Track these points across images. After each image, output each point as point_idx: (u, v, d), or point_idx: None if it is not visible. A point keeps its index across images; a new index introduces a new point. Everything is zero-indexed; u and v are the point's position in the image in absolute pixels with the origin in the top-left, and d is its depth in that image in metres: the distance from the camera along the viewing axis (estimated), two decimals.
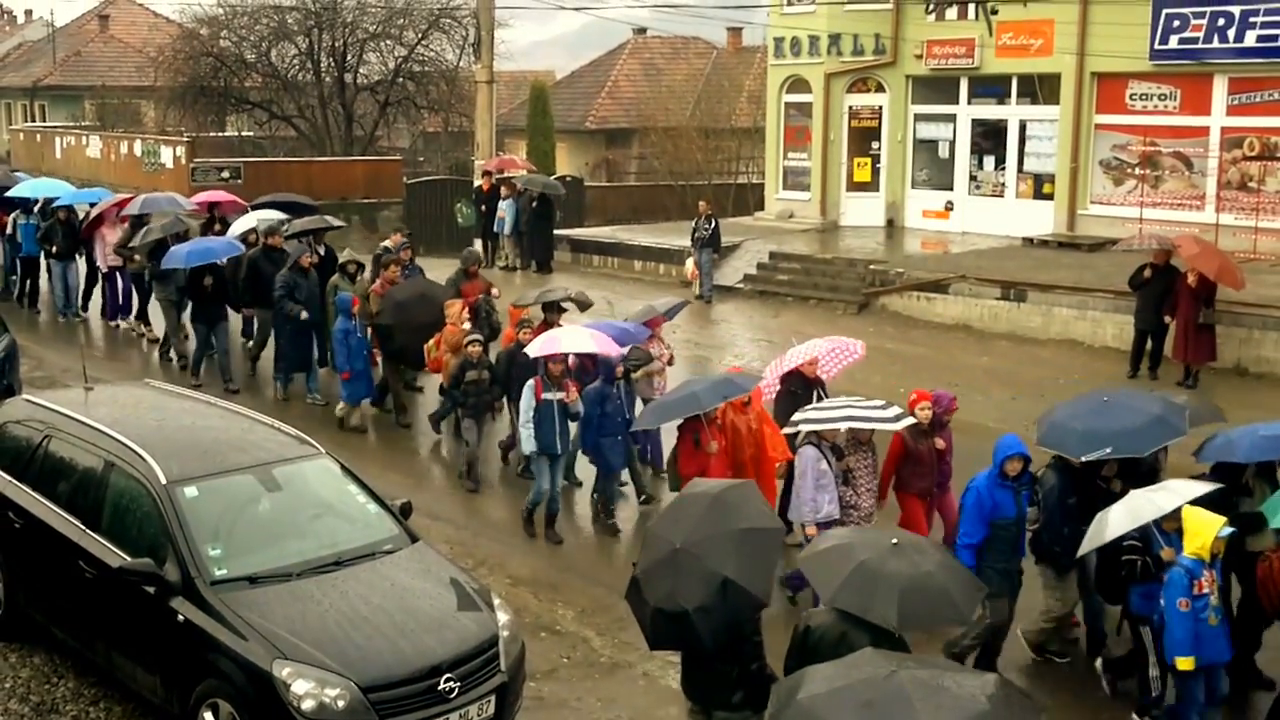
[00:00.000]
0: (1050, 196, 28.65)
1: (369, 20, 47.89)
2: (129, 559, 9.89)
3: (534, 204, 30.36)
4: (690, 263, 27.97)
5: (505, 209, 30.84)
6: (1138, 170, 27.29)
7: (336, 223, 22.66)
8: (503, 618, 10.08)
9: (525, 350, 15.14)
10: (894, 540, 8.42)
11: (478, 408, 16.01)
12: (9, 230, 25.46)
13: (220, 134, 51.18)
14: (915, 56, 30.37)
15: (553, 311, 17.00)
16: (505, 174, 32.18)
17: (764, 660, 8.80)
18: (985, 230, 29.23)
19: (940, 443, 13.16)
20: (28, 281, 25.75)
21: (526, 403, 14.42)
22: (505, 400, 16.74)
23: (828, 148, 31.67)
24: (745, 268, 28.65)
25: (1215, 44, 25.58)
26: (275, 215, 22.24)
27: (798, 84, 32.41)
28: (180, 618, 9.52)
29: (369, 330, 18.07)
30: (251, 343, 21.24)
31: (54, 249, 24.13)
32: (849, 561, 8.25)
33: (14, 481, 11.39)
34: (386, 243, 21.58)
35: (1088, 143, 27.92)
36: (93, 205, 24.48)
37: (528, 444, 14.47)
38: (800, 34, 31.73)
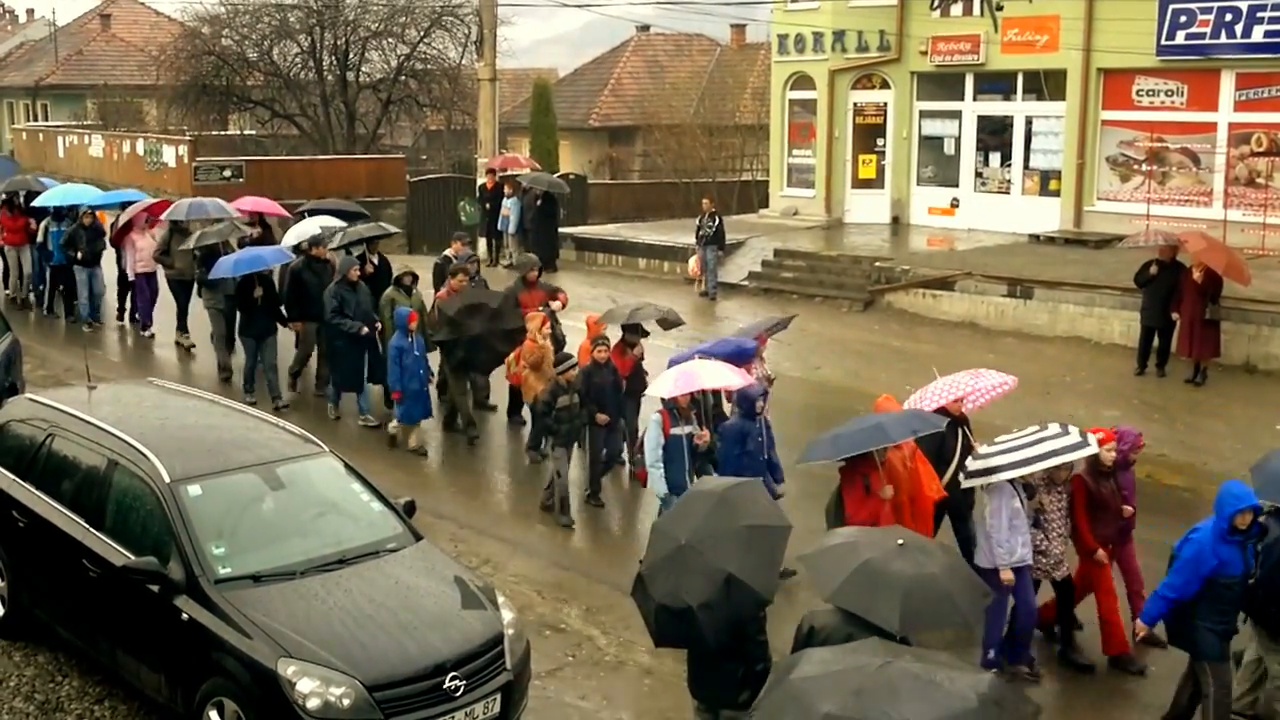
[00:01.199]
0: (1056, 193, 28.57)
1: (371, 18, 47.90)
2: (133, 557, 9.88)
3: (538, 202, 30.27)
4: (694, 260, 27.90)
5: (509, 207, 30.73)
6: (1145, 166, 27.18)
7: (391, 229, 21.83)
8: (507, 616, 10.04)
9: (655, 393, 13.75)
10: (900, 541, 8.34)
11: (570, 435, 14.92)
12: (40, 238, 24.47)
13: (223, 133, 51.22)
14: (920, 53, 30.26)
15: (634, 334, 16.22)
16: (509, 172, 32.11)
17: (770, 659, 8.74)
18: (991, 227, 29.11)
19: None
20: (57, 290, 24.76)
21: (654, 439, 13.32)
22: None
23: (832, 145, 31.60)
24: (750, 265, 28.57)
25: (1222, 39, 25.47)
26: (334, 223, 21.31)
27: (802, 80, 32.35)
28: (184, 616, 9.50)
29: (428, 345, 17.18)
30: (294, 358, 20.28)
31: (79, 254, 23.27)
32: (853, 559, 8.20)
33: (18, 480, 11.38)
34: (448, 251, 20.56)
35: (1094, 139, 27.81)
36: (123, 207, 23.87)
37: (659, 486, 13.33)
38: (804, 30, 31.64)
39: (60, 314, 24.68)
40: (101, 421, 11.07)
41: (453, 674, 9.25)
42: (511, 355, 16.70)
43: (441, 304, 17.57)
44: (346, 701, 8.89)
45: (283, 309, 19.34)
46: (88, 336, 22.87)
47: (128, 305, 23.92)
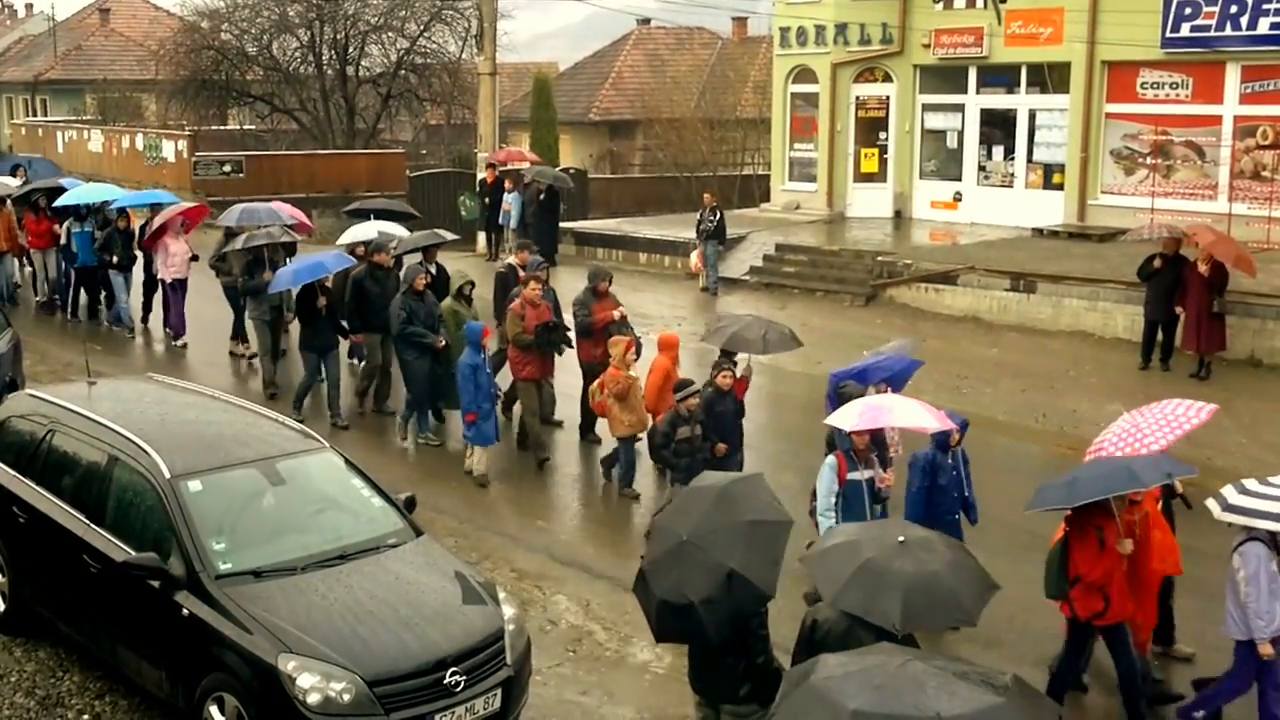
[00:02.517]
0: (1060, 186, 28.53)
1: (370, 12, 47.75)
2: (133, 553, 9.86)
3: (541, 196, 30.19)
4: (695, 255, 27.81)
5: (510, 202, 30.69)
6: (1149, 160, 27.11)
7: (450, 236, 21.07)
8: (508, 611, 10.03)
9: (836, 423, 11.95)
10: (901, 538, 8.25)
11: (691, 469, 12.92)
12: (63, 239, 23.63)
13: (222, 128, 51.15)
14: (923, 46, 30.22)
15: (728, 359, 14.81)
16: (509, 166, 31.98)
17: (771, 654, 8.71)
18: (994, 221, 29.05)
19: None
20: (81, 293, 24.07)
21: (827, 485, 11.80)
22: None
23: (834, 138, 31.57)
24: (751, 260, 28.54)
25: (1228, 31, 25.42)
26: (392, 229, 20.56)
27: (804, 74, 32.32)
28: (185, 612, 9.49)
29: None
30: (360, 374, 19.21)
31: (114, 258, 22.49)
32: (854, 560, 8.16)
33: (18, 476, 11.37)
34: (511, 259, 19.43)
35: (1098, 132, 27.76)
36: (150, 209, 23.26)
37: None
38: (806, 23, 31.59)
39: (85, 318, 24.07)
40: (102, 417, 11.05)
41: (453, 669, 9.23)
42: (595, 384, 15.51)
43: (513, 319, 16.43)
44: (347, 697, 8.88)
45: (343, 321, 18.37)
46: (89, 333, 22.75)
47: (154, 310, 23.11)
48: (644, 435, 14.93)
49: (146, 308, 23.45)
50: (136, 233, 22.89)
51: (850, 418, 11.61)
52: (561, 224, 31.89)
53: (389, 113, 50.18)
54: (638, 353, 15.57)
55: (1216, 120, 26.05)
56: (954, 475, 12.02)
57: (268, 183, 39.32)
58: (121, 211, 22.80)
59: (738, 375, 14.41)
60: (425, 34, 47.86)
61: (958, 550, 8.63)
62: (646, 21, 54.49)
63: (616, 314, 16.63)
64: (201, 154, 41.32)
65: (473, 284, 17.52)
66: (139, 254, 23.00)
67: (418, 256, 19.32)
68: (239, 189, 38.44)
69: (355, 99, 48.49)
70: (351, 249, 19.57)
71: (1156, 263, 20.34)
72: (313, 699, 8.84)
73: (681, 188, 42.47)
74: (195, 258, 21.99)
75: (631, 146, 50.55)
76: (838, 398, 12.92)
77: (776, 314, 24.96)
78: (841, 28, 31.05)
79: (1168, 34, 26.13)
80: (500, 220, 31.10)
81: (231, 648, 9.18)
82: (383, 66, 48.61)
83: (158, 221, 22.19)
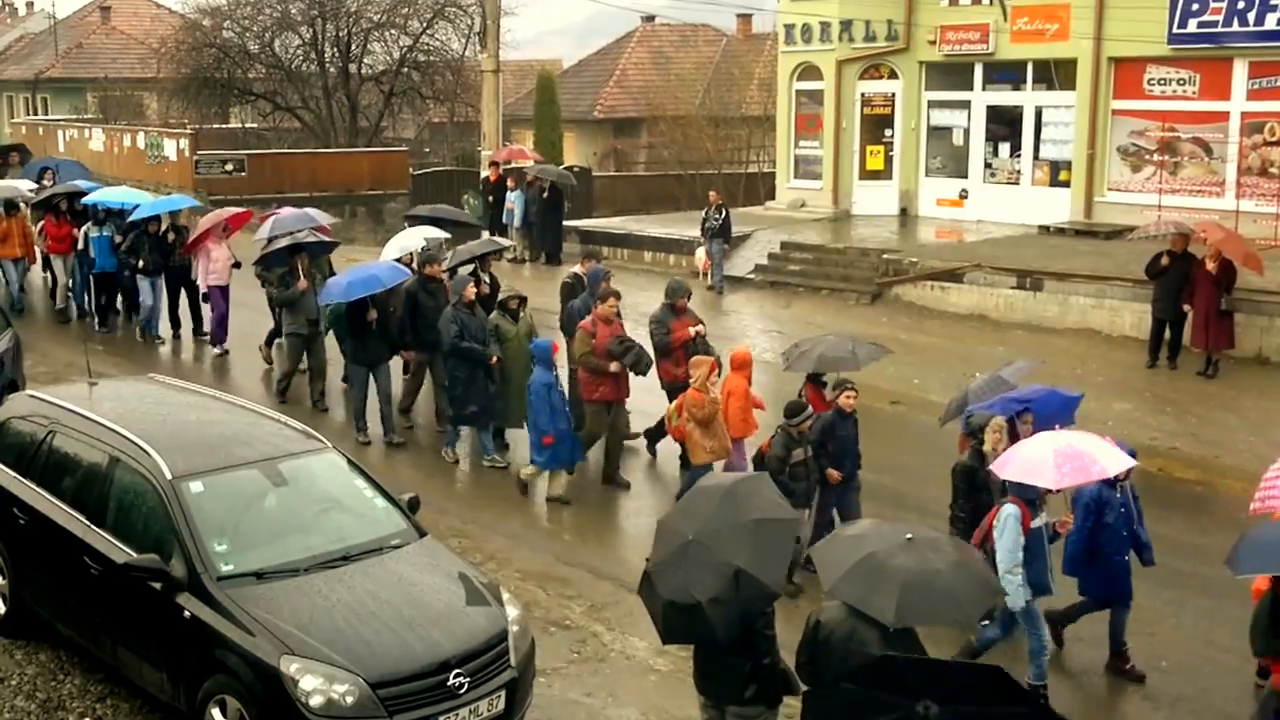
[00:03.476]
0: (1067, 184, 28.40)
1: (373, 9, 47.76)
2: (134, 555, 9.84)
3: (544, 194, 30.24)
4: (701, 253, 27.74)
5: (513, 200, 30.74)
6: (1156, 156, 27.00)
7: (505, 242, 20.45)
8: (512, 612, 10.02)
9: (1037, 482, 10.58)
10: (908, 535, 8.27)
11: (807, 493, 12.82)
12: (80, 244, 22.80)
13: (224, 126, 51.20)
14: (929, 42, 30.10)
15: (818, 385, 14.34)
16: (513, 164, 31.91)
17: (777, 654, 8.67)
18: (1000, 218, 28.91)
19: None
20: (102, 299, 23.14)
21: (1011, 538, 10.70)
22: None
23: (840, 136, 31.45)
24: (756, 258, 28.43)
25: (1235, 27, 25.26)
26: (438, 235, 19.74)
27: (809, 71, 32.17)
28: (186, 614, 9.46)
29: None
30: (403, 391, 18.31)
31: (140, 263, 21.64)
32: (857, 552, 8.21)
33: (18, 477, 11.34)
34: (577, 269, 18.27)
35: (1105, 129, 27.63)
36: (173, 215, 22.34)
37: (1018, 596, 10.70)
38: (811, 20, 31.45)
39: (111, 326, 23.35)
40: (102, 418, 11.02)
41: (457, 671, 9.20)
42: (673, 406, 14.58)
43: (583, 338, 15.70)
44: (350, 699, 8.86)
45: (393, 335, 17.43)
46: (105, 339, 22.52)
47: (188, 317, 22.55)
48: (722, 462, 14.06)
49: (196, 316, 22.64)
50: (170, 236, 21.99)
51: (1047, 473, 10.34)
52: (566, 222, 31.85)
53: (392, 111, 50.18)
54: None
55: (1224, 116, 25.91)
56: (1122, 512, 11.29)
57: (270, 181, 39.43)
58: (153, 217, 21.94)
59: (832, 397, 13.76)
60: (428, 31, 47.89)
61: (966, 552, 8.61)
62: (651, 18, 54.37)
63: (694, 331, 15.87)
64: (203, 152, 41.34)
65: (522, 298, 16.57)
66: (163, 258, 22.03)
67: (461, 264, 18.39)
68: (241, 188, 38.58)
69: (358, 97, 48.47)
70: (401, 259, 18.71)
71: (1164, 260, 20.28)
72: (315, 701, 8.81)
73: (686, 185, 42.41)
74: (238, 264, 21.30)
75: (636, 144, 50.55)
76: (971, 430, 12.22)
77: (781, 313, 25.16)
78: (847, 24, 30.92)
79: (1175, 30, 25.97)
80: (504, 219, 31.10)
81: (233, 650, 9.15)
82: (385, 64, 48.62)
83: (202, 226, 21.59)
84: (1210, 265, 19.70)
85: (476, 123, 39.98)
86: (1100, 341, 22.16)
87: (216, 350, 21.55)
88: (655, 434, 16.54)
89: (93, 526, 10.41)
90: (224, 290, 21.31)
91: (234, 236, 21.98)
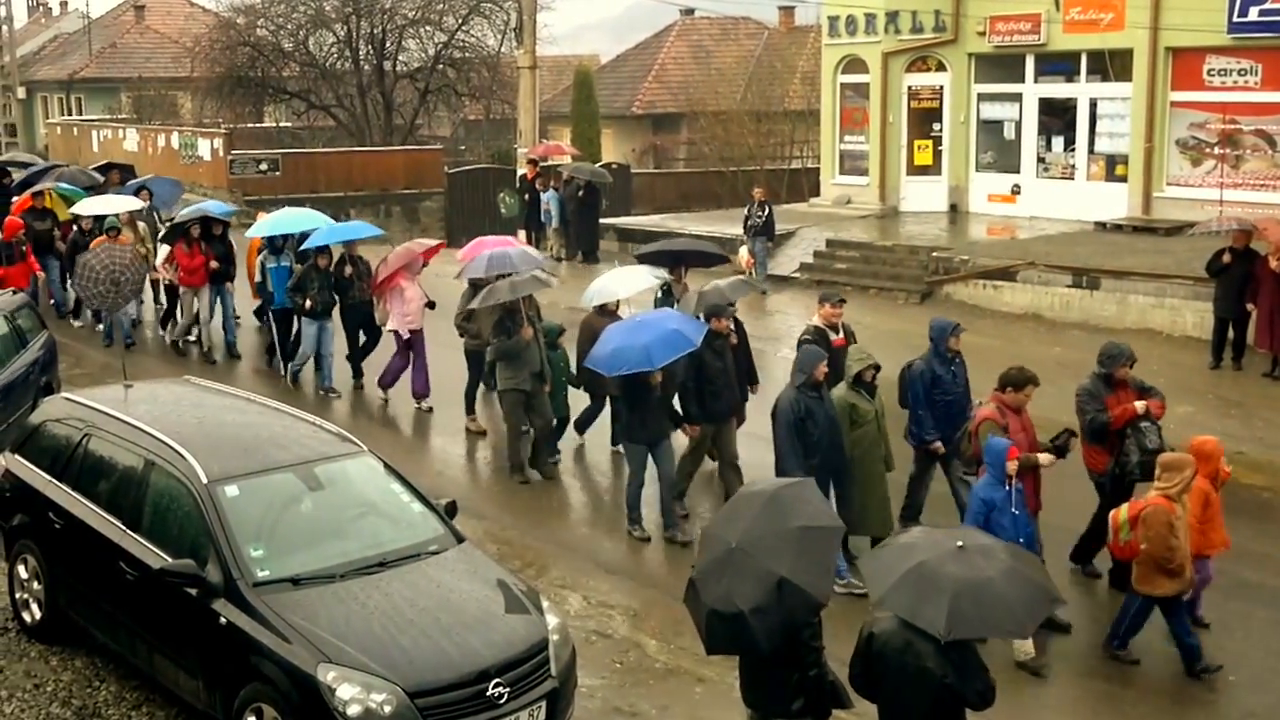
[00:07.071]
0: (1124, 178, 27.87)
1: (408, 6, 47.82)
2: (170, 560, 9.90)
3: (580, 193, 30.24)
4: (744, 251, 27.24)
5: (549, 200, 30.81)
6: (1217, 150, 26.43)
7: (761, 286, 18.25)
8: (552, 621, 9.98)
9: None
10: (959, 543, 8.06)
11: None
12: (258, 276, 20.35)
13: (258, 125, 51.35)
14: (978, 33, 29.62)
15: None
16: (549, 162, 31.77)
17: (824, 666, 8.52)
18: (1054, 214, 28.46)
19: None
20: (284, 340, 20.10)
21: None
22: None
23: (886, 130, 31.12)
24: (801, 256, 28.17)
25: None
26: (660, 275, 17.46)
27: (854, 64, 31.89)
28: (222, 620, 9.49)
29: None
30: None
31: (306, 303, 18.82)
32: (907, 561, 8.04)
33: (54, 481, 11.41)
34: (816, 320, 15.38)
35: (1163, 121, 27.04)
36: (348, 245, 19.45)
37: None
38: (856, 12, 31.12)
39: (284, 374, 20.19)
40: (138, 421, 11.07)
41: (496, 680, 9.15)
42: (1121, 515, 12.17)
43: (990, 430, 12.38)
44: (388, 708, 8.82)
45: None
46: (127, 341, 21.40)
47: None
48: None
49: (355, 368, 19.97)
50: (347, 270, 19.16)
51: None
52: (603, 220, 31.81)
53: (427, 108, 50.35)
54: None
55: None
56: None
57: (305, 181, 39.57)
58: (322, 249, 19.08)
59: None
60: (463, 27, 48.03)
61: (1020, 558, 8.25)
62: (690, 12, 54.24)
63: (1141, 406, 12.58)
64: (238, 152, 41.32)
65: (877, 367, 13.31)
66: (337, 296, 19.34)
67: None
68: (276, 187, 38.64)
69: (393, 95, 48.58)
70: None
71: (1226, 257, 19.79)
72: (353, 710, 8.79)
73: (728, 182, 42.30)
74: (432, 304, 18.71)
75: (676, 140, 50.59)
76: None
77: None
78: (893, 16, 30.55)
79: (1235, 18, 25.34)
80: (542, 219, 31.09)
81: (270, 657, 9.15)
82: (420, 61, 48.77)
83: (393, 263, 18.66)
84: (1274, 263, 19.21)
85: (513, 120, 40.00)
86: (1161, 342, 21.64)
87: (421, 405, 18.79)
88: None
89: (128, 531, 10.43)
90: (420, 336, 18.54)
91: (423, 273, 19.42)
